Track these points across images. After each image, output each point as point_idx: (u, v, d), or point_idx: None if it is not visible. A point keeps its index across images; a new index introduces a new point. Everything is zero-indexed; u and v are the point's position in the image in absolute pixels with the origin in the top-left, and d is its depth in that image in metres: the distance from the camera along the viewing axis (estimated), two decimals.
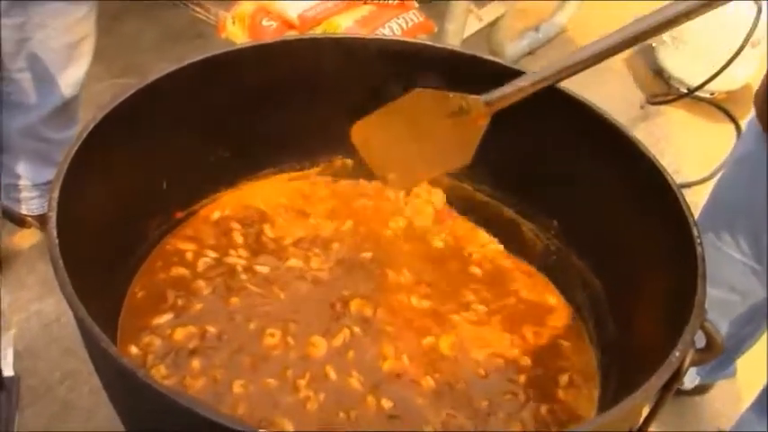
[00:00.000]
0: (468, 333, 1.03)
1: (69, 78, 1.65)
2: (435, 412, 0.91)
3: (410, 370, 0.96)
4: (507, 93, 1.01)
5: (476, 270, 1.12)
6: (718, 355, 0.82)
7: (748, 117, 1.40)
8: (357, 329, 0.99)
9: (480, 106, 1.01)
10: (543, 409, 0.94)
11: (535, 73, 1.00)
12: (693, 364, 0.80)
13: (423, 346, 0.99)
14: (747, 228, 1.37)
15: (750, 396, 1.51)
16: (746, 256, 1.41)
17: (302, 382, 0.91)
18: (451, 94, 1.03)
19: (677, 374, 0.78)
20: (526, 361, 1.00)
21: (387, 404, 0.91)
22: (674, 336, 0.78)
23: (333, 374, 0.93)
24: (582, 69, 0.97)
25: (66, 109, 1.69)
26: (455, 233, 1.18)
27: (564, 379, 0.99)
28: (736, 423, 1.53)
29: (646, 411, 0.88)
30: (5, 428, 1.39)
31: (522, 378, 0.98)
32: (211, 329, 0.95)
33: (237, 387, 0.89)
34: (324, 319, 0.99)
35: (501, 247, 1.17)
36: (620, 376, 0.97)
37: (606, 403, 0.95)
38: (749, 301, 1.47)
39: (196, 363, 0.91)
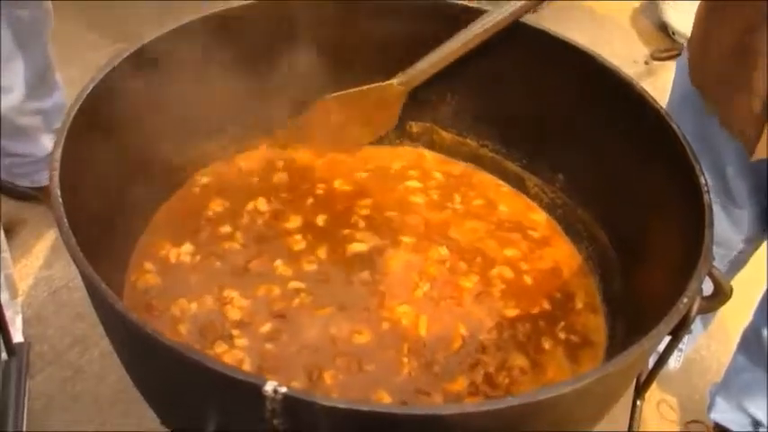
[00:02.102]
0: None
1: (39, 48, 1.64)
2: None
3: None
4: (417, 72, 1.12)
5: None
6: (726, 302, 0.82)
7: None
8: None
9: (394, 90, 1.13)
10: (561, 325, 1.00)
11: (445, 45, 1.09)
12: (701, 311, 0.79)
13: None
14: (709, 161, 1.21)
15: None
16: (714, 193, 1.27)
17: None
18: (365, 87, 1.13)
19: (685, 321, 0.78)
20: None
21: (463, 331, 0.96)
22: (682, 284, 0.78)
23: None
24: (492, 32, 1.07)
25: (43, 78, 1.68)
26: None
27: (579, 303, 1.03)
28: (726, 369, 1.52)
29: (654, 360, 0.89)
30: (16, 394, 1.40)
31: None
32: None
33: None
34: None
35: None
36: (627, 328, 0.97)
37: (614, 352, 0.95)
38: (727, 254, 1.36)
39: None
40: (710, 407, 1.55)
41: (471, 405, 0.67)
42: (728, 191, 1.24)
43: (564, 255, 1.10)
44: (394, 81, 1.12)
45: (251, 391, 0.63)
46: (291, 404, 0.63)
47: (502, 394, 0.90)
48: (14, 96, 1.64)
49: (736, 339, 1.53)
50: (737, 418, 1.50)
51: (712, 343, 1.80)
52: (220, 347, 0.90)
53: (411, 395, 0.88)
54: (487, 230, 1.10)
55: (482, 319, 0.98)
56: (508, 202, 1.16)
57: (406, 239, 1.06)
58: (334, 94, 1.13)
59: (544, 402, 0.66)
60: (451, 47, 1.09)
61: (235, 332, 0.92)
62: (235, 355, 0.89)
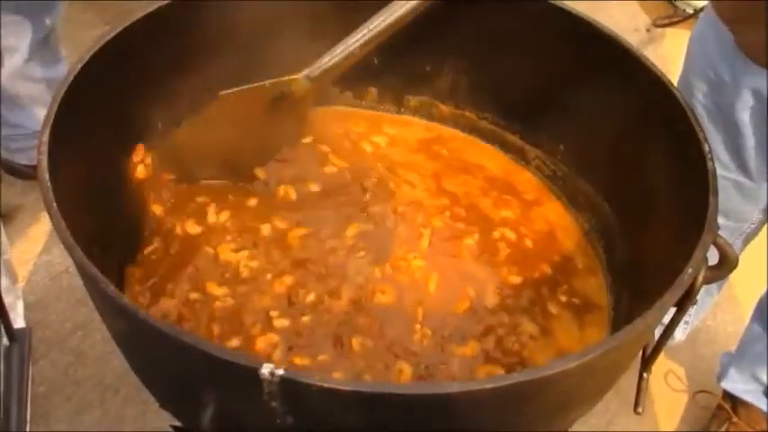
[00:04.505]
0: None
1: (48, 10, 1.63)
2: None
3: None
4: (331, 65, 0.96)
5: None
6: (732, 271, 0.80)
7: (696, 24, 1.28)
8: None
9: (303, 85, 0.97)
10: (563, 288, 0.99)
11: (358, 34, 0.95)
12: (707, 281, 0.78)
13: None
14: (724, 136, 1.23)
15: None
16: (727, 168, 1.25)
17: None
18: (267, 83, 0.97)
19: (690, 292, 0.76)
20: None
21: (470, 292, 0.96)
22: (687, 254, 0.76)
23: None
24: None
25: (47, 43, 1.66)
26: None
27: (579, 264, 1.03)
28: (740, 339, 1.51)
29: (659, 332, 0.87)
30: (19, 380, 1.39)
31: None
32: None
33: None
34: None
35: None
36: (632, 298, 0.95)
37: (619, 324, 0.94)
38: (739, 226, 1.35)
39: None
40: (722, 376, 1.54)
41: (477, 383, 0.66)
42: (744, 165, 1.23)
43: (556, 215, 1.09)
44: (301, 75, 0.97)
45: (247, 374, 0.62)
46: (289, 386, 0.62)
47: (514, 360, 0.90)
48: (17, 58, 1.62)
49: (745, 308, 1.52)
50: (750, 387, 1.49)
51: (719, 312, 1.79)
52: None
53: (428, 366, 0.87)
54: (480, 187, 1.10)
55: (486, 282, 0.97)
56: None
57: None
58: (231, 90, 0.97)
59: (550, 377, 0.65)
60: (376, 30, 0.95)
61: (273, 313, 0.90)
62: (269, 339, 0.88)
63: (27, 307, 1.60)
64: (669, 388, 1.65)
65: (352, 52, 0.96)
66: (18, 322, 1.51)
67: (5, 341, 1.40)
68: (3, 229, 1.50)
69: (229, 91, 0.96)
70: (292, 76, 0.98)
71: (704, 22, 1.23)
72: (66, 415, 1.47)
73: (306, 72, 0.97)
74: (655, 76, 0.93)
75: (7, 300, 1.42)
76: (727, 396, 1.56)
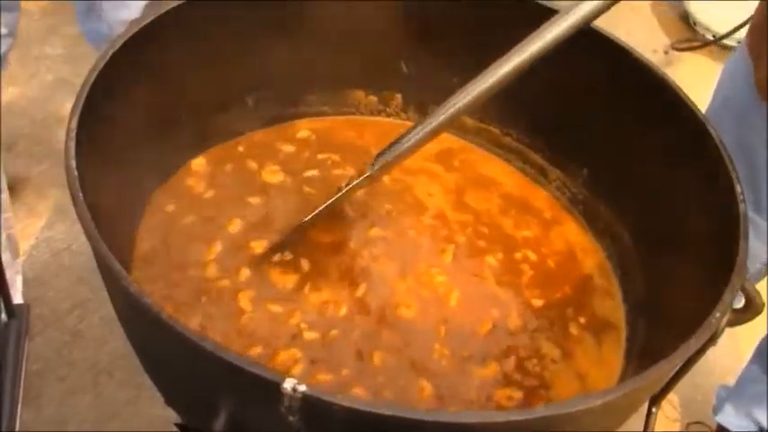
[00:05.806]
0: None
1: None
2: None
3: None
4: (390, 161, 0.88)
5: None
6: (757, 316, 0.79)
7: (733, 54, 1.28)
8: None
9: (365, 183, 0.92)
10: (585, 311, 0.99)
11: (420, 126, 0.87)
12: (730, 324, 0.77)
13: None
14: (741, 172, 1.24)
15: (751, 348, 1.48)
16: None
17: None
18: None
19: (713, 335, 0.75)
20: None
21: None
22: (711, 296, 0.76)
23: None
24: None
25: None
26: None
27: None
28: (739, 377, 1.51)
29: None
30: (15, 357, 1.37)
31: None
32: None
33: None
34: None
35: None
36: (648, 332, 0.95)
37: (633, 358, 0.93)
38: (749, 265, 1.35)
39: None
40: (717, 409, 1.54)
41: (498, 414, 0.65)
42: (759, 203, 1.22)
43: (575, 235, 1.08)
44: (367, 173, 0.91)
45: (269, 387, 0.61)
46: (310, 403, 0.61)
47: (535, 383, 0.89)
48: (132, 10, 1.64)
49: (744, 342, 1.51)
50: (744, 424, 1.49)
51: (718, 344, 1.78)
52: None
53: (448, 386, 0.87)
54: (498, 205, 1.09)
55: (509, 304, 0.97)
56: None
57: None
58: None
59: (573, 414, 0.64)
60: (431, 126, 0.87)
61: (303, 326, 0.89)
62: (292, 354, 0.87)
63: (25, 283, 1.58)
64: (663, 416, 1.65)
65: (408, 148, 0.88)
66: (16, 298, 1.50)
67: (4, 317, 1.39)
68: (9, 203, 1.48)
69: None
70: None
71: (738, 54, 1.22)
72: (58, 395, 1.46)
73: (369, 171, 0.91)
74: (691, 112, 0.92)
75: (7, 274, 1.40)
76: (721, 430, 1.55)
